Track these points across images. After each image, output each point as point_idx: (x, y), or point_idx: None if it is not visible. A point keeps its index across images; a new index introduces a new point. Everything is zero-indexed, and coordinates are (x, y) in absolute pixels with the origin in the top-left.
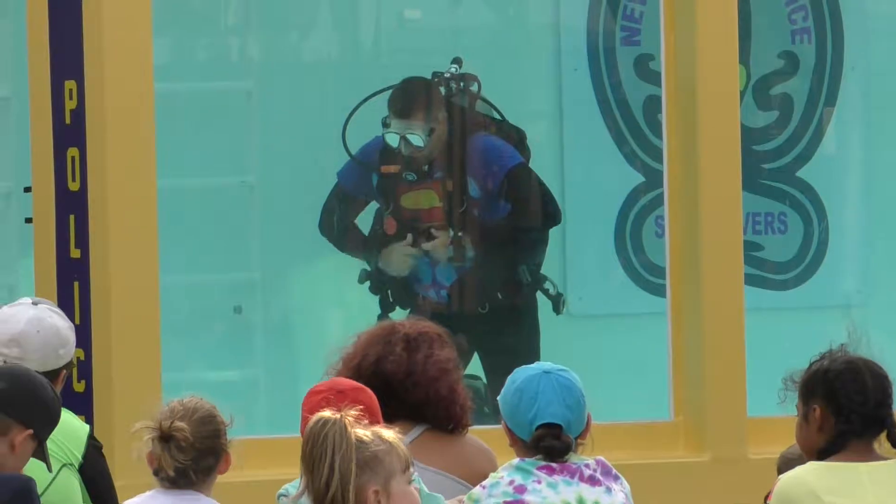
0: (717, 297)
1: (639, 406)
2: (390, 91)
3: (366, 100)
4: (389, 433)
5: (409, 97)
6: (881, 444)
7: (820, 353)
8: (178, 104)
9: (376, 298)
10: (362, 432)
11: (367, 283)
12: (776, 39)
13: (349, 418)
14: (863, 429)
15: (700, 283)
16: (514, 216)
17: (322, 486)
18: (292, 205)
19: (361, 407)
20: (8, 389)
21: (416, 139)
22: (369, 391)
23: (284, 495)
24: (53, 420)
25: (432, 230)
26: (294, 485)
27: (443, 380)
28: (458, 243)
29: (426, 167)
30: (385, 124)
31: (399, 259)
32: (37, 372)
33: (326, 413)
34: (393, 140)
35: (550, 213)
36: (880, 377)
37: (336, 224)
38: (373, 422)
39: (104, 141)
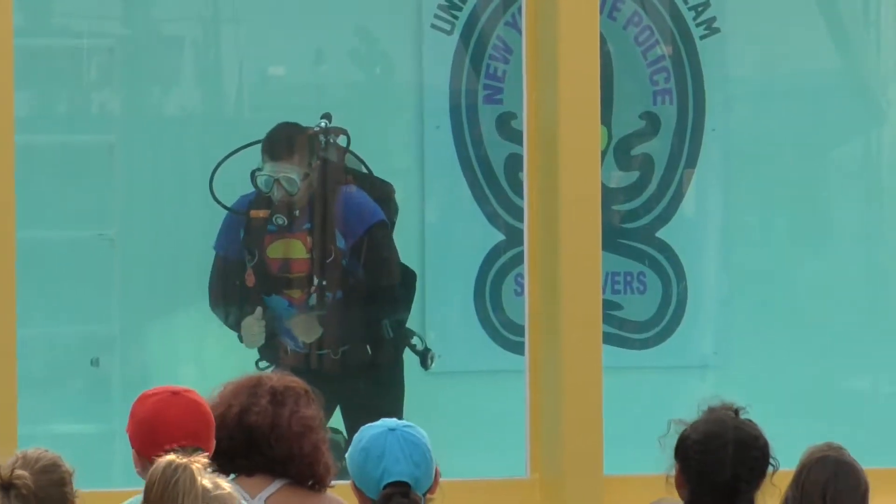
0: (576, 355)
1: (497, 463)
2: (258, 143)
3: (233, 153)
4: (226, 482)
5: (284, 140)
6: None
7: (705, 409)
8: (39, 157)
9: (234, 353)
10: (207, 481)
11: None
12: (638, 100)
13: (197, 465)
14: (713, 499)
15: (559, 342)
16: (367, 274)
17: None
18: (152, 259)
19: (207, 455)
20: None
21: (290, 182)
22: (197, 395)
23: None
24: None
25: (292, 279)
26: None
27: (307, 437)
28: (321, 293)
29: (296, 212)
30: (257, 170)
31: (254, 333)
32: None
33: (174, 458)
34: (265, 184)
35: (387, 275)
36: (747, 447)
37: (219, 295)
38: (206, 436)
39: None
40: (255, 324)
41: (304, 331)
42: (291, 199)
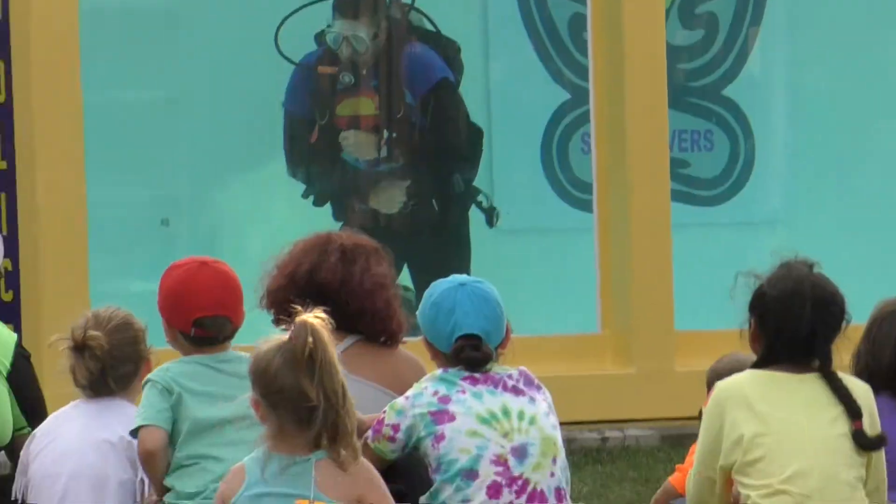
0: (645, 212)
1: (567, 319)
2: (322, 1)
3: (298, 9)
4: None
5: None
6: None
7: (779, 264)
8: (102, 20)
9: (303, 214)
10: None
11: (311, 199)
12: None
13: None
14: (790, 354)
15: (627, 199)
16: (433, 131)
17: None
18: (218, 120)
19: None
20: None
21: (359, 41)
22: (225, 265)
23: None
24: None
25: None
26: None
27: (379, 294)
28: (394, 143)
29: (363, 71)
30: (326, 27)
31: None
32: None
33: (306, 317)
34: (335, 41)
35: (458, 140)
36: (825, 304)
37: (292, 151)
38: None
39: (28, 52)
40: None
41: (387, 200)
42: (359, 58)
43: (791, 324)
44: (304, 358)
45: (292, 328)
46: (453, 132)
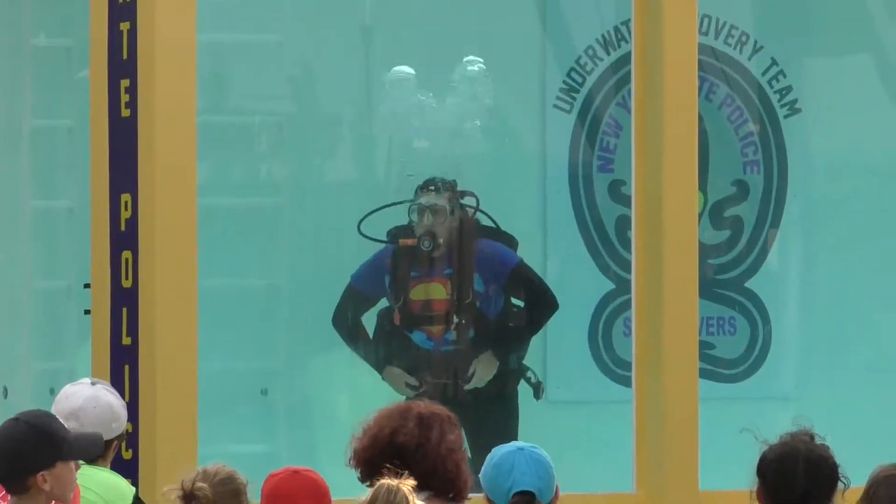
0: (676, 387)
1: (606, 480)
2: (403, 203)
3: (383, 207)
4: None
5: (437, 181)
6: None
7: (780, 436)
8: (217, 216)
9: (384, 384)
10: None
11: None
12: (730, 169)
13: (408, 487)
14: None
15: (661, 376)
16: (513, 309)
17: None
18: (313, 304)
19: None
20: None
21: (441, 211)
22: (316, 473)
23: None
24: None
25: (432, 317)
26: None
27: (450, 458)
28: (461, 328)
29: (440, 240)
30: (410, 203)
31: (398, 383)
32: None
33: (388, 481)
34: (418, 211)
35: (549, 302)
36: (817, 466)
37: (347, 320)
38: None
39: (153, 246)
40: (397, 375)
41: (485, 367)
42: (436, 231)
43: (786, 484)
44: None
45: (378, 488)
46: (548, 300)
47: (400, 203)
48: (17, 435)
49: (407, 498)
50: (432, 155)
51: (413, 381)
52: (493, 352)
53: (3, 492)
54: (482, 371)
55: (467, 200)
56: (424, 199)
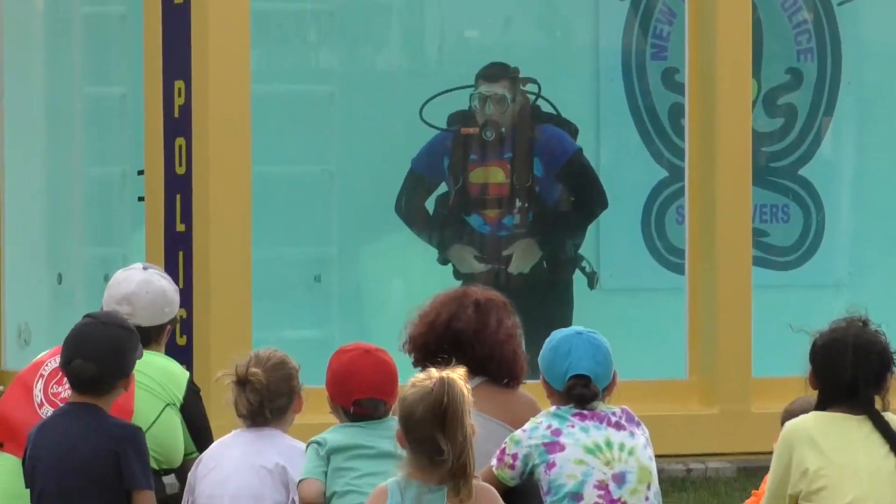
0: (729, 275)
1: (659, 366)
2: (465, 88)
3: (444, 91)
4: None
5: (497, 67)
6: (885, 399)
7: (832, 322)
8: (270, 104)
9: (436, 272)
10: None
11: (437, 258)
12: (783, 57)
13: (460, 374)
14: (838, 397)
15: (714, 264)
16: (569, 197)
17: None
18: (365, 191)
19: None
20: (102, 369)
21: (502, 101)
22: (386, 354)
23: (319, 443)
24: (139, 353)
25: (488, 201)
26: (325, 436)
27: (508, 344)
28: (523, 212)
29: (503, 129)
30: (472, 91)
31: (467, 261)
32: (143, 327)
33: (440, 374)
34: (480, 99)
35: (599, 200)
36: (866, 353)
37: (407, 205)
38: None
39: (207, 133)
40: (466, 253)
41: (522, 257)
42: (500, 117)
43: (834, 370)
44: (440, 412)
45: (435, 383)
46: (597, 194)
47: (461, 88)
48: (118, 338)
49: (463, 391)
50: (484, 45)
51: (479, 254)
52: (533, 239)
53: (60, 374)
54: (520, 258)
55: (529, 87)
56: (485, 88)
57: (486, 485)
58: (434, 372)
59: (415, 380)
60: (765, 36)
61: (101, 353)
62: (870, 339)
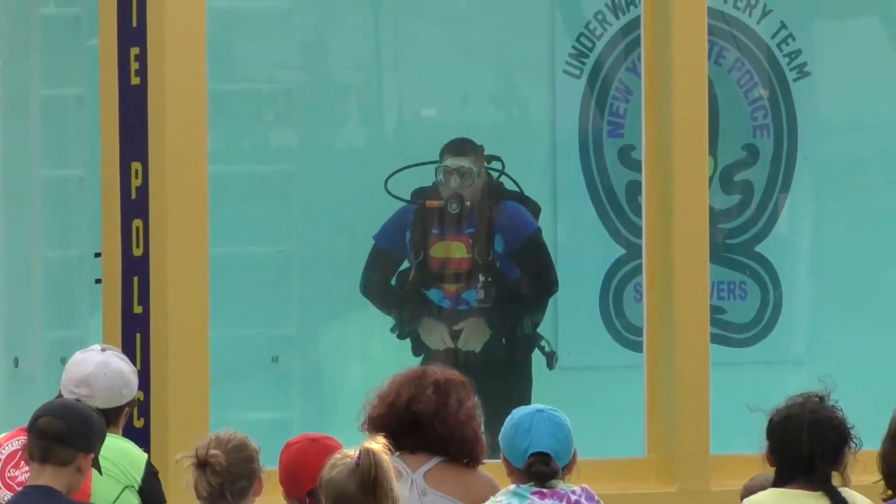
0: (687, 352)
1: (618, 444)
2: (426, 164)
3: (410, 166)
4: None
5: (464, 141)
6: (844, 474)
7: (788, 398)
8: (228, 184)
9: (395, 351)
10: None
11: (396, 333)
12: (740, 134)
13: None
14: (795, 473)
15: (673, 341)
16: (522, 278)
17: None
18: (324, 270)
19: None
20: (68, 428)
21: (468, 174)
22: (334, 440)
23: None
24: (102, 438)
25: (448, 276)
26: None
27: (468, 425)
28: (486, 287)
29: (467, 203)
30: (437, 165)
31: (437, 339)
32: (101, 409)
33: (365, 445)
34: (444, 173)
35: (550, 283)
36: (822, 428)
37: (369, 281)
38: None
39: (164, 214)
40: (437, 326)
41: (471, 334)
42: (463, 193)
43: (790, 446)
44: (371, 483)
45: (360, 456)
46: (546, 275)
47: (426, 164)
48: (88, 411)
49: (387, 458)
50: (441, 123)
51: (449, 340)
52: (483, 318)
53: (17, 458)
54: (469, 335)
55: (494, 165)
56: (451, 161)
57: None
58: (349, 450)
59: (333, 460)
60: (721, 112)
61: (70, 415)
62: (826, 414)
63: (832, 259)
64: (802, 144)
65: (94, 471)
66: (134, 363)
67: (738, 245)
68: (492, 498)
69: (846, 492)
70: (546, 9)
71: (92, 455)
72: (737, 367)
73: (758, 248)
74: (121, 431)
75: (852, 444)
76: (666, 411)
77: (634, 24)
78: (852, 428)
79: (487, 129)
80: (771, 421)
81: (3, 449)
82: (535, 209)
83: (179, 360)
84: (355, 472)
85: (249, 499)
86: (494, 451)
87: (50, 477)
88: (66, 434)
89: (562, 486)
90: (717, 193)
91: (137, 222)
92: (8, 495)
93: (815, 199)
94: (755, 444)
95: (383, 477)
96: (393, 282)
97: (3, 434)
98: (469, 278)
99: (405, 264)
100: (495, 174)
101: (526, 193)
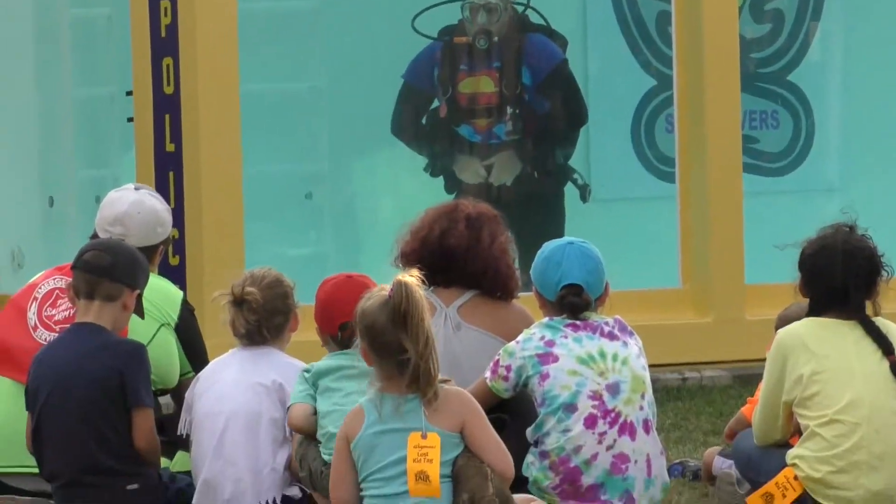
0: (720, 182)
1: (652, 276)
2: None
3: (436, 4)
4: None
5: None
6: (875, 302)
7: (819, 229)
8: (257, 20)
9: (426, 186)
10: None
11: (429, 171)
12: None
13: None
14: (829, 303)
15: (705, 171)
16: (551, 109)
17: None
18: (355, 105)
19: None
20: (115, 262)
21: (494, 10)
22: (368, 278)
23: (307, 370)
24: (147, 278)
25: (478, 110)
26: (312, 364)
27: (502, 258)
28: (515, 120)
29: (495, 38)
30: (464, 1)
31: (472, 173)
32: (137, 247)
33: (402, 277)
34: (469, 11)
35: (579, 113)
36: (854, 258)
37: (400, 118)
38: None
39: (194, 51)
40: (475, 167)
41: (502, 168)
42: (490, 29)
43: (823, 276)
44: (401, 315)
45: (392, 288)
46: (575, 105)
47: (452, 1)
48: (132, 249)
49: (419, 292)
50: None
51: (483, 172)
52: (514, 151)
53: (53, 297)
54: (501, 169)
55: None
56: None
57: (457, 388)
58: (387, 285)
59: (370, 293)
60: None
61: (117, 250)
62: (858, 244)
63: (863, 88)
64: None
65: None
66: (167, 201)
67: (769, 74)
68: (525, 331)
69: (879, 321)
70: None
71: (137, 292)
72: (770, 196)
73: (789, 77)
74: (156, 270)
75: (884, 273)
76: (700, 242)
77: None
78: (882, 256)
79: None
80: (803, 253)
81: (40, 288)
82: (563, 42)
83: (213, 197)
84: (387, 304)
85: (286, 335)
86: (527, 285)
87: (96, 313)
88: (113, 268)
89: (595, 317)
90: (748, 22)
91: (168, 60)
92: (46, 334)
93: (845, 28)
94: (789, 273)
95: (414, 309)
96: (423, 121)
97: (40, 273)
98: (498, 112)
99: (435, 103)
100: (521, 8)
101: (555, 27)
